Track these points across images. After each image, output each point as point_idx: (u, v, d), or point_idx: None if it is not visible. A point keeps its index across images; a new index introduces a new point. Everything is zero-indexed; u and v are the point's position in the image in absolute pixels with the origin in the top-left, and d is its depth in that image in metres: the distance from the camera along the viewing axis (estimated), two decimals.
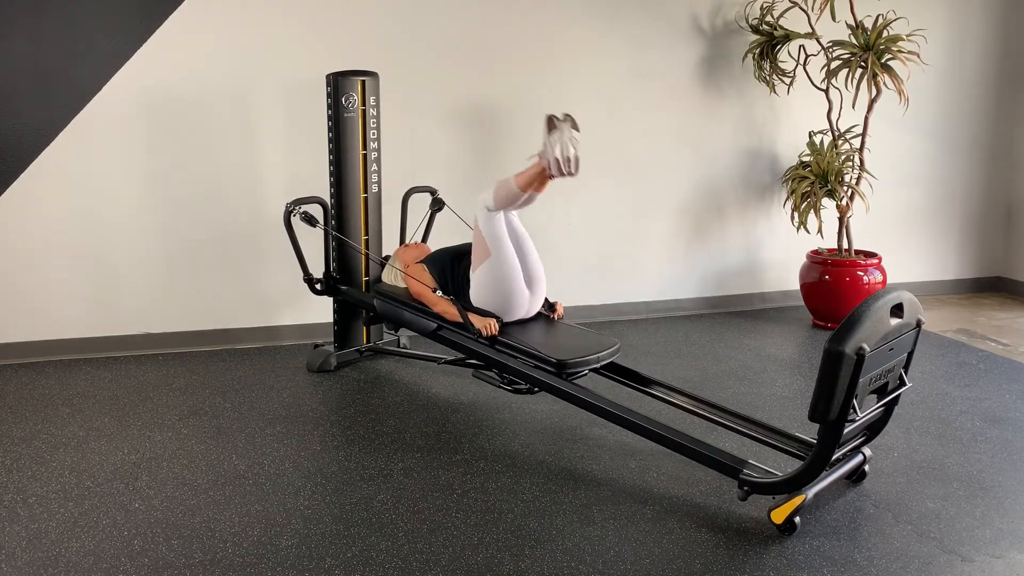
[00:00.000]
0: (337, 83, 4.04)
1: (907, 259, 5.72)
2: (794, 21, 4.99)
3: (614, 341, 3.44)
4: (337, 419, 3.64)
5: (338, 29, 4.54)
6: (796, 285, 5.30)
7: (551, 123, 3.30)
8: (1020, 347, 4.66)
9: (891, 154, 5.51)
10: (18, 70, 4.14)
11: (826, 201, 4.98)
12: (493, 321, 3.48)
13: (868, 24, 4.81)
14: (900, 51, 4.69)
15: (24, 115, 4.20)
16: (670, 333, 4.95)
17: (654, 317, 5.29)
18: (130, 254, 4.46)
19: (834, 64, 4.86)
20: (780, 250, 5.47)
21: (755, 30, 5.06)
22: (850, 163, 4.94)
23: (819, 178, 4.89)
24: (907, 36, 4.76)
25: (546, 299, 3.70)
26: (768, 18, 5.01)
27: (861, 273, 4.89)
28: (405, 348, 4.45)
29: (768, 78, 5.11)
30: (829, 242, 5.20)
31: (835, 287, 4.92)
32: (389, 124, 4.57)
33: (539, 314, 3.68)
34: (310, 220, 4.02)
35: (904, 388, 2.91)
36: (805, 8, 4.92)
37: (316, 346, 4.35)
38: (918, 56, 4.80)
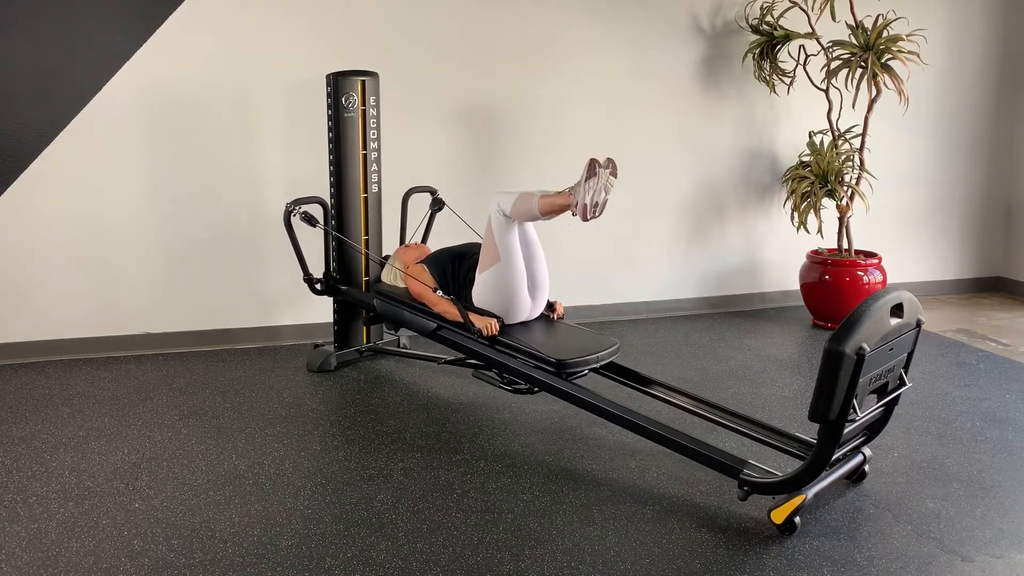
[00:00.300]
0: (337, 83, 4.05)
1: (907, 259, 5.72)
2: (794, 21, 4.99)
3: (614, 341, 3.45)
4: (337, 419, 3.64)
5: (338, 29, 4.54)
6: (796, 285, 5.30)
7: (592, 168, 3.24)
8: (1020, 347, 4.66)
9: (891, 154, 5.51)
10: (18, 70, 4.14)
11: (826, 201, 4.98)
12: (494, 321, 3.48)
13: (868, 24, 4.81)
14: (900, 51, 4.69)
15: (24, 115, 4.20)
16: (670, 333, 4.95)
17: (654, 317, 5.29)
18: (130, 254, 4.46)
19: (834, 64, 4.86)
20: (780, 250, 5.47)
21: (755, 30, 5.06)
22: (850, 163, 4.94)
23: (819, 178, 4.89)
24: (907, 36, 4.76)
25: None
26: (768, 18, 5.01)
27: (861, 273, 4.89)
28: (405, 348, 4.45)
29: (768, 78, 5.11)
30: (829, 242, 5.19)
31: (835, 287, 4.92)
32: (389, 124, 4.57)
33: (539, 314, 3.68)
34: (310, 220, 4.02)
35: (904, 388, 2.91)
36: (805, 8, 4.92)
37: (316, 346, 4.35)
38: (918, 56, 4.80)
